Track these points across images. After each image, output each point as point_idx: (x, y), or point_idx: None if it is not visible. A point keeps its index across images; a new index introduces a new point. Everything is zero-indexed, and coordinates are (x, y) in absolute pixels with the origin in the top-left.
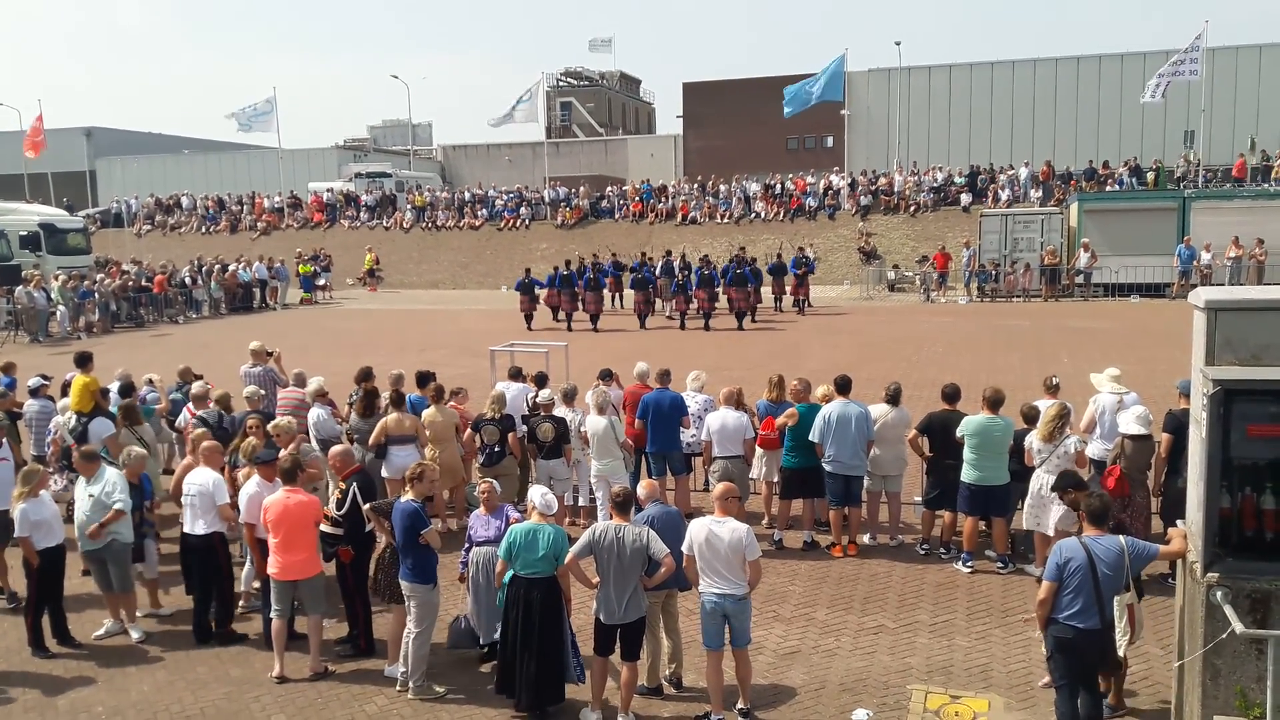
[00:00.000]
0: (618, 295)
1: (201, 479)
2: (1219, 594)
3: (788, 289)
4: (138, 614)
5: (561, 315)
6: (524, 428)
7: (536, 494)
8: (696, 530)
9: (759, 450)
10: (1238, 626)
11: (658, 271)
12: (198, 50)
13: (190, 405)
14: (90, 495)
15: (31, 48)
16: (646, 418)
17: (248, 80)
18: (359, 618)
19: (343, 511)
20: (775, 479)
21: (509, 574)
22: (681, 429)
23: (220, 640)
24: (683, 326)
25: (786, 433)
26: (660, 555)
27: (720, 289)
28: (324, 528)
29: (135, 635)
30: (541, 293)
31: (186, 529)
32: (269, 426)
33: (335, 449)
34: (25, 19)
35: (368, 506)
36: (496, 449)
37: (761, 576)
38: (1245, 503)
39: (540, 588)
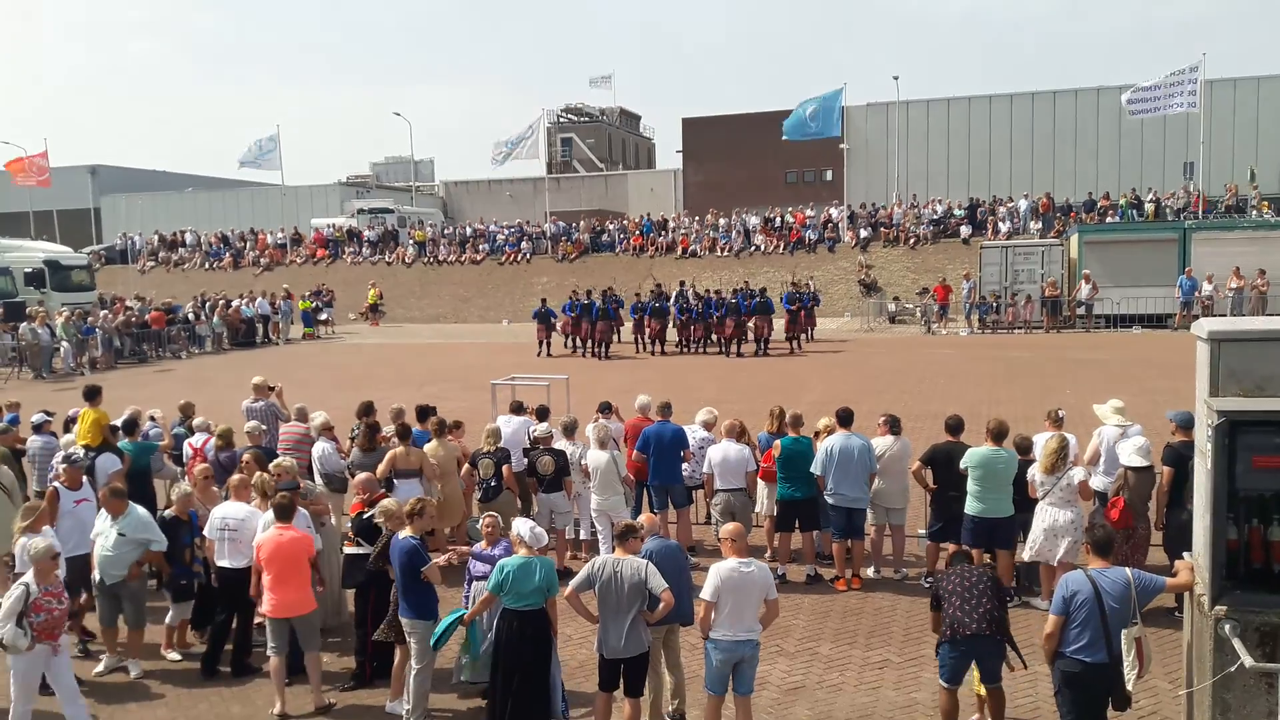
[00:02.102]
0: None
1: (238, 512)
2: (1227, 627)
3: (792, 319)
4: (173, 655)
5: (578, 341)
6: (525, 461)
7: (525, 527)
8: (722, 578)
9: (761, 483)
10: (1247, 660)
11: (671, 300)
12: (202, 88)
13: (190, 441)
14: (121, 534)
15: (38, 86)
16: (648, 450)
17: (251, 118)
18: (368, 644)
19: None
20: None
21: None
22: (682, 461)
23: (237, 672)
24: (701, 351)
25: (777, 465)
26: (658, 590)
27: (745, 318)
28: (349, 550)
29: (134, 672)
30: (557, 321)
31: (223, 563)
32: (271, 465)
33: (360, 477)
34: (32, 58)
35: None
36: (493, 483)
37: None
38: (1252, 535)
39: (532, 621)
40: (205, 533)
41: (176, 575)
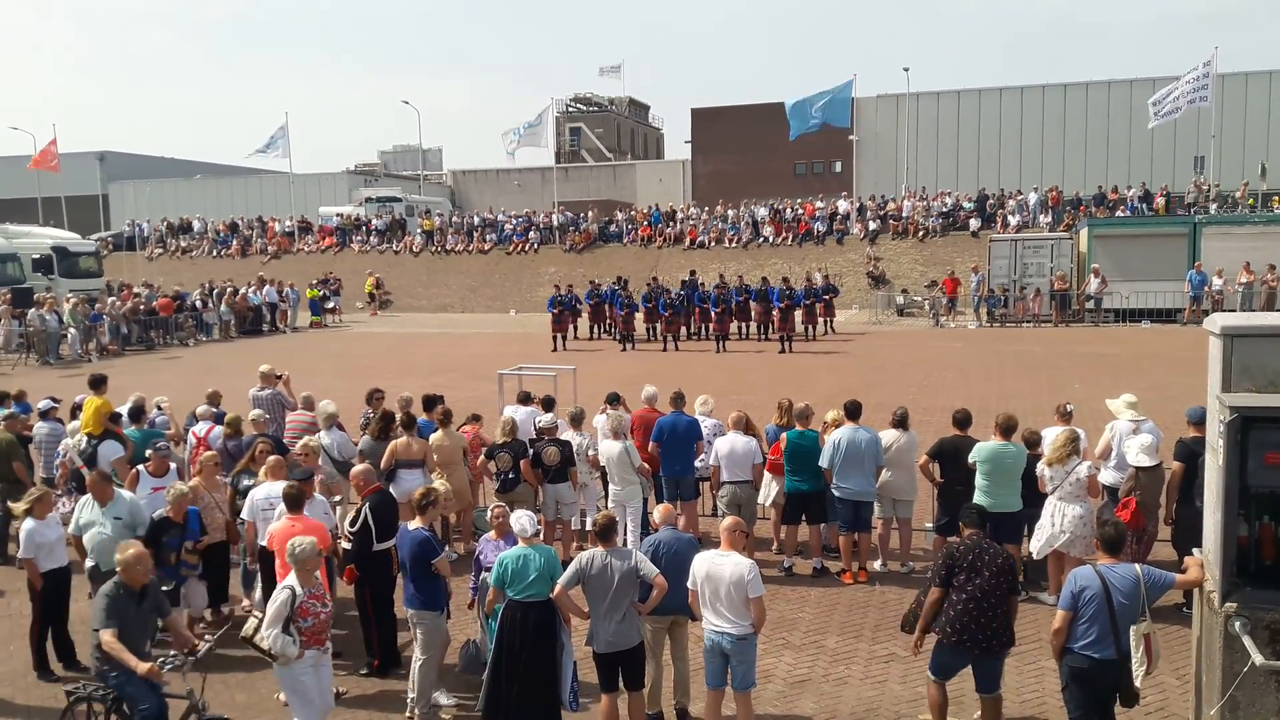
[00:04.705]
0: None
1: (281, 491)
2: (1238, 624)
3: (783, 316)
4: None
5: (608, 329)
6: (530, 452)
7: (513, 519)
8: (698, 565)
9: (768, 475)
10: (1257, 658)
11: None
12: (212, 76)
13: (194, 429)
14: (117, 518)
15: (49, 73)
16: (661, 441)
17: (260, 105)
18: (373, 638)
19: (354, 529)
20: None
21: (501, 600)
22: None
23: None
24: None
25: (784, 458)
26: (650, 577)
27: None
28: (344, 545)
29: None
30: (583, 308)
31: (265, 543)
32: (297, 446)
33: (357, 468)
34: (43, 45)
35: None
36: (510, 475)
37: (766, 616)
38: (1263, 531)
39: (536, 611)
40: (244, 515)
41: (161, 576)
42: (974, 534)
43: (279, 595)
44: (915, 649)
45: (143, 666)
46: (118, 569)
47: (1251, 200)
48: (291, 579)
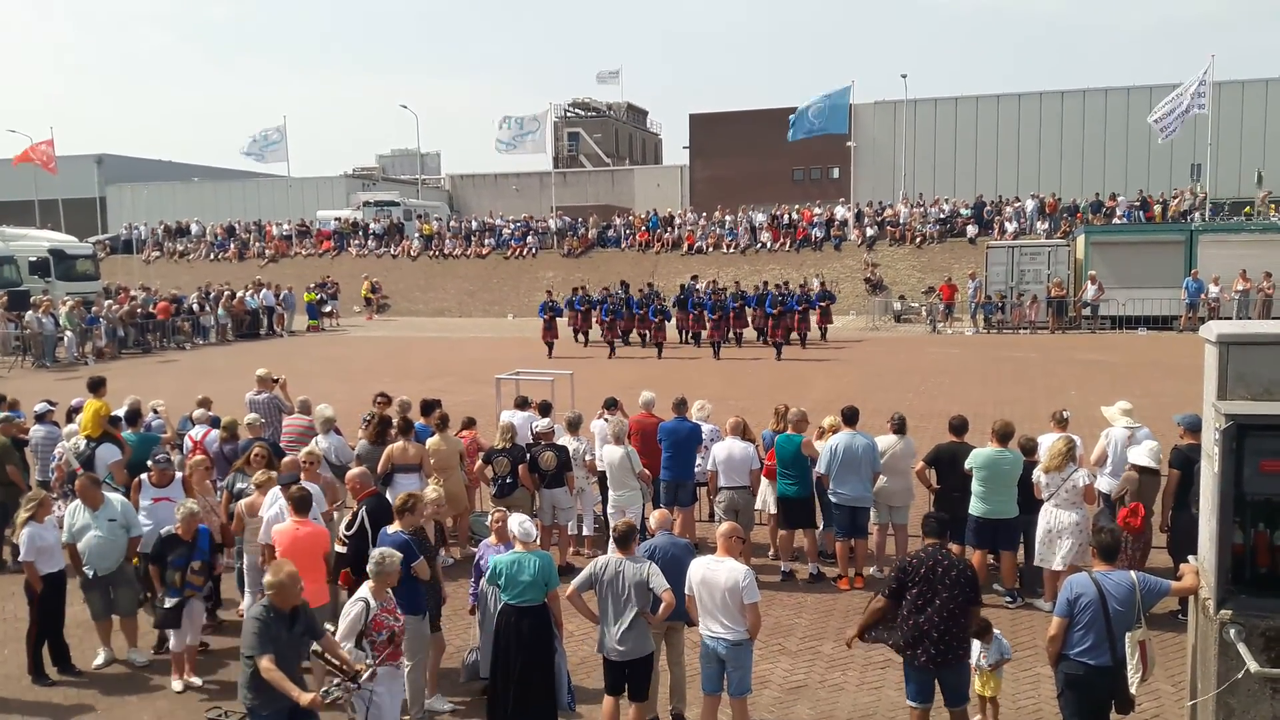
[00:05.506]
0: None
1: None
2: (1232, 632)
3: (775, 323)
4: (176, 684)
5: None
6: (527, 456)
7: (515, 523)
8: (695, 570)
9: (765, 481)
10: (1252, 665)
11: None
12: (210, 79)
13: (190, 433)
14: (111, 520)
15: (48, 74)
16: (664, 445)
17: (259, 108)
18: None
19: (350, 533)
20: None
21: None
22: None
23: None
24: (716, 356)
25: (777, 462)
26: (660, 590)
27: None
28: (338, 549)
29: (140, 660)
30: (572, 313)
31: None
32: (301, 455)
33: (353, 471)
34: (42, 47)
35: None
36: (508, 480)
37: (761, 622)
38: (1259, 539)
39: (530, 616)
40: (261, 512)
41: (164, 596)
42: (932, 544)
43: (352, 608)
44: (848, 643)
45: (305, 696)
46: (267, 590)
47: (1248, 209)
48: (365, 591)
